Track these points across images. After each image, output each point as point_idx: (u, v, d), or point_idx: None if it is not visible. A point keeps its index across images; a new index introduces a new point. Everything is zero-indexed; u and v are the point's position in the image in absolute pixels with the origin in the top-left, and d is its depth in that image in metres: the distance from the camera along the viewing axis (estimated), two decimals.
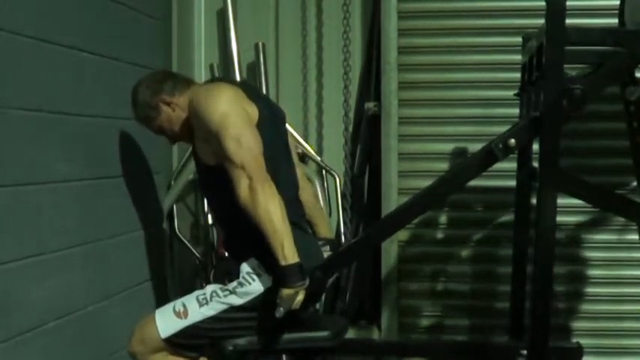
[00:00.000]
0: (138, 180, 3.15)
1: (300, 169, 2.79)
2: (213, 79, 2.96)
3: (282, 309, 2.34)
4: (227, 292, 2.46)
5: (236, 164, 2.35)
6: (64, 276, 2.60)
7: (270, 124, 2.53)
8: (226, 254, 3.50)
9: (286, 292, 2.33)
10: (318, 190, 3.47)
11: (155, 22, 3.37)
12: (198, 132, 2.52)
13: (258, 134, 2.43)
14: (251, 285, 2.45)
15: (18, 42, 2.36)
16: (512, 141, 2.47)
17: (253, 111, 2.48)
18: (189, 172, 3.62)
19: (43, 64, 2.51)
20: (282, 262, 2.31)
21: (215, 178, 2.48)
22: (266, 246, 2.35)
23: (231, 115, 2.41)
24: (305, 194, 2.76)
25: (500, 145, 2.47)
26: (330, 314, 3.50)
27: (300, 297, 2.36)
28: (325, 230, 2.87)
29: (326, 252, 2.71)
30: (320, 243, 2.72)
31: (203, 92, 2.52)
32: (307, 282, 2.37)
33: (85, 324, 2.72)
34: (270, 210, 2.31)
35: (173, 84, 2.62)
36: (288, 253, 2.31)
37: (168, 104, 2.59)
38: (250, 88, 2.75)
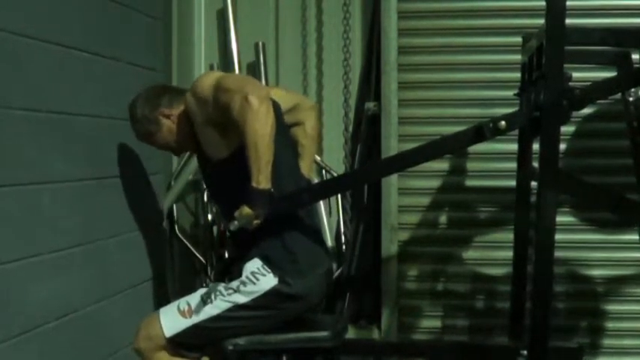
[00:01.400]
0: (138, 180, 3.15)
1: (308, 107, 2.83)
2: None
3: (236, 223, 2.33)
4: (231, 291, 2.46)
5: (234, 89, 2.32)
6: (64, 276, 2.60)
7: None
8: (226, 254, 3.52)
9: (246, 210, 2.31)
10: None
11: (155, 22, 3.37)
12: (199, 120, 2.50)
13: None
14: (255, 284, 2.45)
15: (18, 42, 2.36)
16: (503, 123, 2.47)
17: None
18: (189, 172, 3.62)
19: (43, 64, 2.51)
20: (254, 184, 2.29)
21: (225, 173, 2.48)
22: (272, 243, 2.35)
23: (224, 75, 2.47)
24: (308, 125, 2.78)
25: (491, 125, 2.47)
26: (330, 314, 3.50)
27: (257, 221, 2.34)
28: (306, 167, 2.79)
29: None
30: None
31: (194, 83, 2.56)
32: (267, 211, 2.34)
33: (85, 324, 2.72)
34: (258, 131, 2.27)
35: (170, 97, 2.64)
36: (262, 179, 2.29)
37: (168, 117, 2.61)
38: None
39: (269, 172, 2.31)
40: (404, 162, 2.72)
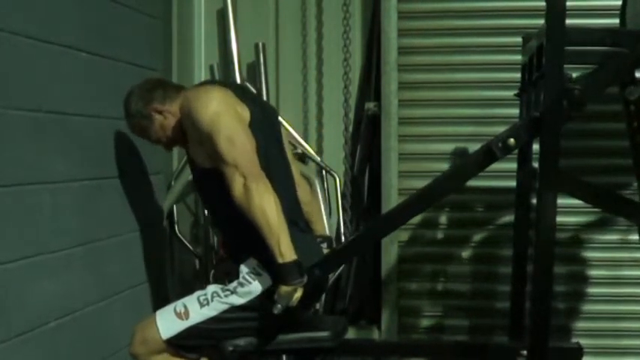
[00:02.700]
0: (138, 180, 3.15)
1: (295, 167, 2.79)
2: (202, 83, 2.96)
3: (279, 306, 2.35)
4: (228, 292, 2.47)
5: (229, 164, 2.36)
6: (64, 276, 2.60)
7: (263, 124, 2.54)
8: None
9: (284, 289, 2.33)
10: (318, 189, 3.47)
11: (155, 22, 3.37)
12: (191, 135, 2.53)
13: (250, 133, 2.44)
14: (251, 285, 2.45)
15: (18, 42, 2.36)
16: (512, 140, 2.47)
17: (244, 111, 2.49)
18: (189, 172, 3.60)
19: (43, 64, 2.51)
20: (280, 260, 2.32)
21: (210, 180, 2.49)
22: (264, 245, 2.35)
23: (223, 115, 2.42)
24: (300, 191, 2.76)
25: (500, 144, 2.47)
26: (330, 314, 3.50)
27: (298, 294, 2.36)
28: (321, 227, 2.87)
29: (323, 250, 2.71)
30: (318, 240, 2.72)
31: (193, 96, 2.53)
32: (305, 279, 2.37)
33: (85, 324, 2.72)
34: (265, 208, 2.31)
35: (163, 92, 2.64)
36: (285, 251, 2.32)
37: (160, 112, 2.61)
38: (239, 88, 2.75)
39: (288, 241, 2.33)
40: (423, 202, 2.67)
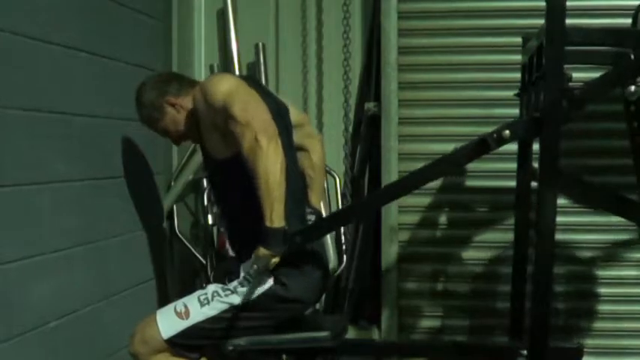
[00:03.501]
0: (138, 180, 3.15)
1: (313, 135, 2.84)
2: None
3: (255, 266, 2.34)
4: (228, 292, 2.46)
5: (242, 124, 2.30)
6: (64, 276, 2.60)
7: (276, 115, 2.50)
8: (229, 253, 3.52)
9: (263, 252, 2.31)
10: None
11: (155, 22, 3.37)
12: (205, 121, 2.50)
13: (265, 104, 2.40)
14: (252, 284, 2.45)
15: (18, 42, 2.36)
16: (507, 132, 2.47)
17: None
18: (189, 172, 3.62)
19: (43, 64, 2.51)
20: (267, 224, 2.29)
21: (225, 174, 2.48)
22: None
23: (237, 90, 2.40)
24: (315, 156, 2.78)
25: (495, 135, 2.47)
26: (330, 314, 3.50)
27: (274, 260, 2.34)
28: (316, 199, 2.82)
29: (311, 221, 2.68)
30: (308, 210, 2.70)
31: (205, 81, 2.53)
32: (284, 248, 2.34)
33: (85, 324, 2.72)
34: (269, 170, 2.27)
35: (179, 85, 2.62)
36: (276, 217, 2.29)
37: (174, 105, 2.59)
38: (254, 81, 2.73)
39: (282, 210, 2.30)
40: (411, 183, 2.69)
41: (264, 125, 2.30)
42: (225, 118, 2.37)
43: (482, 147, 2.49)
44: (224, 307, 2.46)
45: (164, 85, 2.61)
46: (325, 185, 3.55)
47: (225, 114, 2.35)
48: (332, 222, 2.82)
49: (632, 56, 2.43)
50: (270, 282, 2.45)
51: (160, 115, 2.61)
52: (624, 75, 2.52)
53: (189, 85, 2.62)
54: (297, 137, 2.75)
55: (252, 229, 2.38)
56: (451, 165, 2.71)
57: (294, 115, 2.76)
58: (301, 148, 2.79)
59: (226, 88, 2.40)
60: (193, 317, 2.45)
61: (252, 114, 2.32)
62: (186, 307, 2.47)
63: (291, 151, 2.63)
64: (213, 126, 2.46)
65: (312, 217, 2.70)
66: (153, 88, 2.62)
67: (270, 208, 2.28)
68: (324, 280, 2.63)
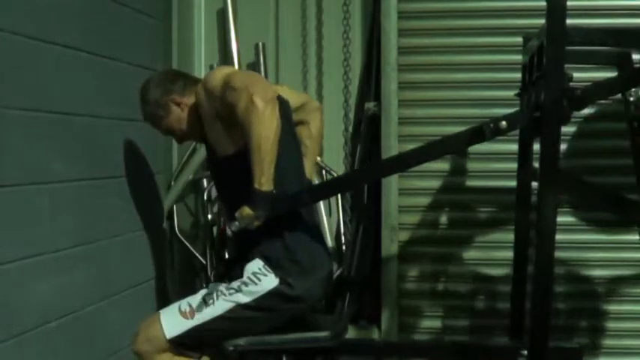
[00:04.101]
0: (138, 180, 3.15)
1: (315, 107, 2.86)
2: None
3: (237, 223, 2.34)
4: (233, 291, 2.46)
5: (240, 88, 2.31)
6: (64, 276, 2.60)
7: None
8: (227, 255, 3.52)
9: (247, 211, 2.32)
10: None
11: (155, 22, 3.37)
12: (208, 113, 2.49)
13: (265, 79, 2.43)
14: (256, 284, 2.45)
15: (18, 42, 2.36)
16: (504, 123, 2.47)
17: None
18: (189, 172, 3.62)
19: (43, 64, 2.51)
20: (256, 186, 2.30)
21: (229, 171, 2.48)
22: (274, 245, 2.35)
23: (234, 71, 2.45)
24: (313, 127, 2.79)
25: (492, 125, 2.47)
26: (330, 314, 3.50)
27: (257, 223, 2.35)
28: (308, 169, 2.80)
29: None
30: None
31: (206, 75, 2.55)
32: (267, 213, 2.35)
33: (85, 324, 2.72)
34: (262, 134, 2.27)
35: (184, 84, 2.62)
36: (265, 181, 2.30)
37: (178, 104, 2.59)
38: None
39: (271, 173, 2.31)
40: (404, 162, 2.73)
41: (262, 88, 2.31)
42: (225, 103, 2.37)
43: (477, 135, 2.50)
44: (229, 306, 2.45)
45: (169, 84, 2.61)
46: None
47: (225, 96, 2.36)
48: (317, 192, 2.82)
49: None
50: (275, 281, 2.45)
51: (164, 114, 2.61)
52: (628, 83, 2.52)
53: (193, 84, 2.62)
54: (298, 114, 2.77)
55: (254, 228, 2.38)
56: (445, 148, 2.71)
57: (295, 97, 2.77)
58: (301, 122, 2.81)
59: (225, 72, 2.45)
60: (198, 317, 2.45)
61: (251, 80, 2.35)
62: (190, 306, 2.47)
63: (296, 147, 2.63)
64: (215, 116, 2.46)
65: None
66: (158, 86, 2.62)
67: (260, 171, 2.29)
68: (328, 280, 2.63)
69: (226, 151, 2.49)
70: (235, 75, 2.44)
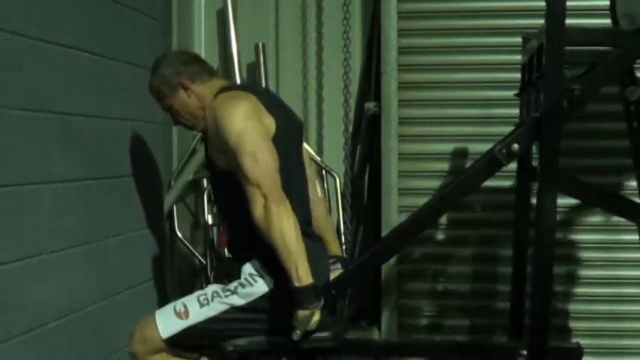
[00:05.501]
0: (138, 180, 3.15)
1: (312, 184, 2.74)
2: (233, 86, 2.82)
3: (298, 331, 2.35)
4: (228, 293, 2.46)
5: (252, 182, 2.33)
6: (64, 276, 2.60)
7: (286, 137, 2.50)
8: (227, 255, 3.52)
9: (302, 313, 2.33)
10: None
11: (155, 22, 3.37)
12: (214, 141, 2.50)
13: (274, 149, 2.39)
14: (253, 286, 2.45)
15: (18, 42, 2.36)
16: (516, 146, 2.47)
17: (270, 123, 2.45)
18: (189, 172, 3.62)
19: (43, 64, 2.51)
20: (297, 284, 2.30)
21: (226, 180, 2.47)
22: (270, 248, 2.35)
23: (248, 132, 2.37)
24: (317, 210, 2.73)
25: (504, 151, 2.47)
26: (330, 314, 3.50)
27: (316, 317, 2.36)
28: (336, 248, 2.83)
29: (337, 270, 2.67)
30: (331, 261, 2.69)
31: (222, 103, 2.47)
32: (322, 302, 2.36)
33: (85, 324, 2.72)
34: (284, 232, 2.29)
35: (196, 70, 2.57)
36: (303, 275, 2.30)
37: (186, 89, 2.55)
38: (270, 97, 2.67)
39: (306, 266, 2.31)
40: (425, 221, 2.69)
41: (272, 187, 2.32)
42: (233, 159, 2.37)
43: (494, 164, 2.49)
44: (224, 307, 2.45)
45: (181, 65, 2.57)
46: (325, 187, 3.56)
47: (235, 157, 2.36)
48: (361, 269, 2.77)
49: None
50: (271, 284, 2.45)
51: (168, 92, 2.56)
52: (616, 66, 2.51)
53: (207, 74, 2.59)
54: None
55: (250, 231, 2.38)
56: (466, 188, 2.66)
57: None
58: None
59: (238, 129, 2.37)
60: (193, 317, 2.45)
61: (261, 170, 2.33)
62: (185, 307, 2.46)
63: (301, 169, 2.62)
64: (220, 149, 2.46)
65: (337, 266, 2.69)
66: (170, 64, 2.57)
67: (294, 268, 2.29)
68: (326, 286, 2.61)
69: (222, 166, 2.48)
70: (246, 144, 2.35)
